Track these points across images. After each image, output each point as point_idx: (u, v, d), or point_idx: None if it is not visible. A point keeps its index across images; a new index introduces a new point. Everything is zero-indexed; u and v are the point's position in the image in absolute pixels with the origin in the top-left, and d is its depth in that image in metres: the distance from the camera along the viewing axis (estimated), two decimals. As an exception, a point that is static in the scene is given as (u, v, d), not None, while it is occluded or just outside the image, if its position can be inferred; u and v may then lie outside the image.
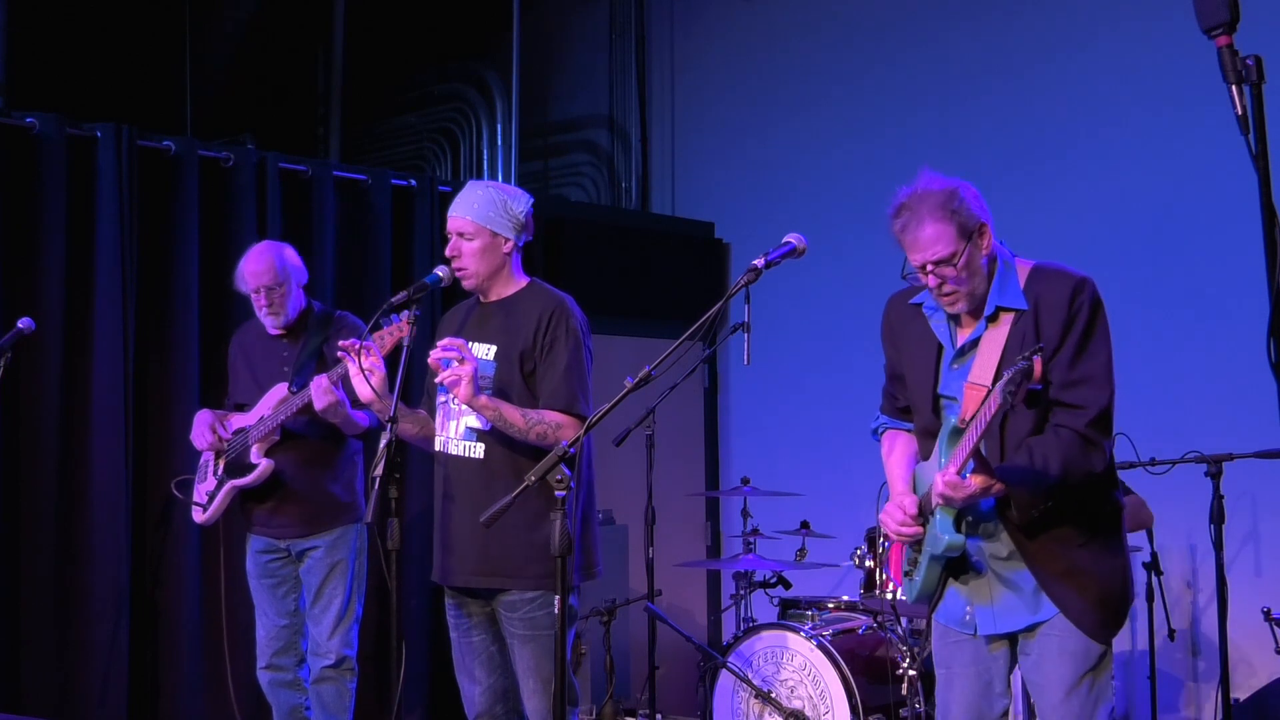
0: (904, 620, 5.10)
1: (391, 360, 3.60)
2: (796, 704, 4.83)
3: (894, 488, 3.20)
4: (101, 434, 4.98)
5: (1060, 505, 2.94)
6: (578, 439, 2.97)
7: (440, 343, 3.51)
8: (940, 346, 3.10)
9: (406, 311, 3.61)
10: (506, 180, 7.44)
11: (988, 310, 3.01)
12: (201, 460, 4.60)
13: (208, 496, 4.50)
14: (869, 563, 5.03)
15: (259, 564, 4.52)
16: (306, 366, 4.42)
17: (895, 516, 3.07)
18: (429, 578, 3.76)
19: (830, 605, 5.35)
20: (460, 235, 3.64)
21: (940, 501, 2.93)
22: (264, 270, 4.46)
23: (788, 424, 6.95)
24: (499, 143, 7.71)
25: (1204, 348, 5.64)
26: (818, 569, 5.54)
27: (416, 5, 7.89)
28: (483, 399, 3.48)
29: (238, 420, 4.53)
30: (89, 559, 4.94)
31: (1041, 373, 2.78)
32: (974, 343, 3.04)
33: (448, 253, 3.67)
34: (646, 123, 7.71)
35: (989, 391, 2.83)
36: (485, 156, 7.76)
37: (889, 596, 4.93)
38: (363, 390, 3.57)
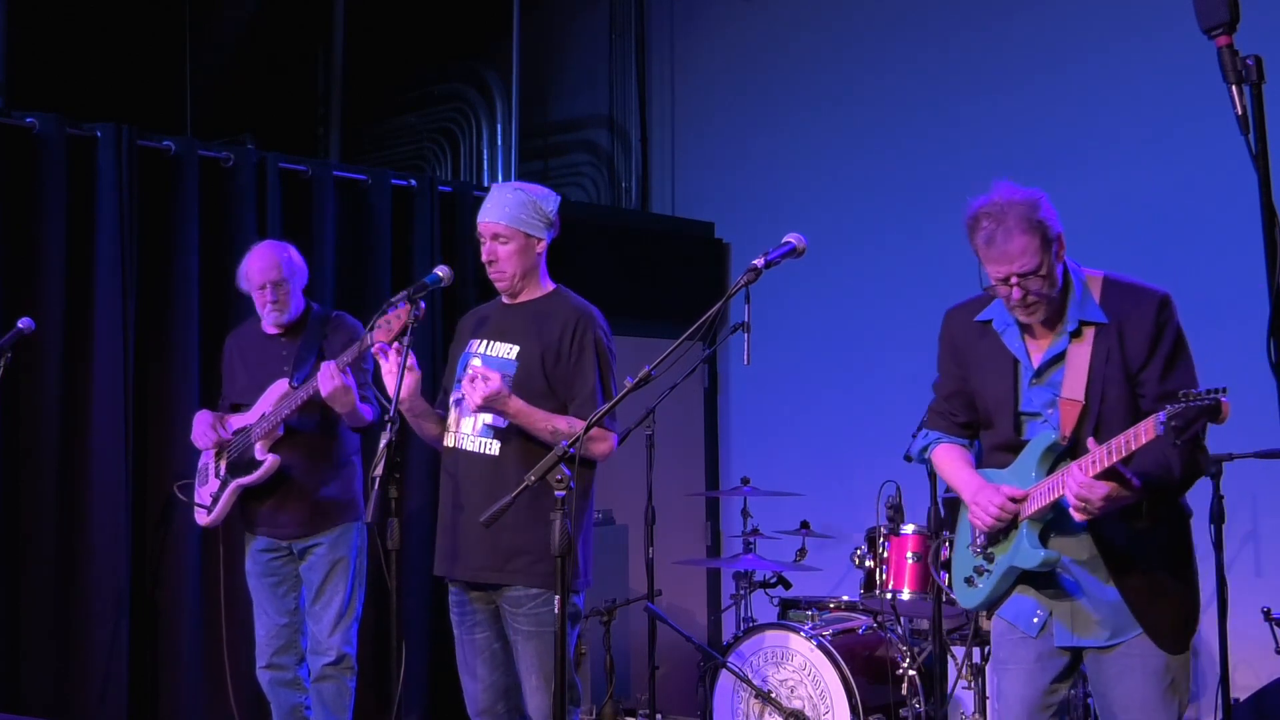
0: (904, 620, 5.10)
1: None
2: (796, 704, 4.83)
3: (968, 483, 3.12)
4: (101, 433, 4.98)
5: (1150, 512, 2.95)
6: (578, 439, 2.99)
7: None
8: (1016, 363, 3.07)
9: (405, 304, 3.63)
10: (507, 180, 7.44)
11: (1070, 325, 3.00)
12: (200, 463, 4.60)
13: (211, 498, 4.51)
14: (869, 563, 5.03)
15: (260, 562, 4.52)
16: (307, 362, 4.43)
17: (994, 501, 2.99)
18: (429, 576, 3.76)
19: (830, 605, 5.36)
20: (495, 238, 3.68)
21: (1076, 504, 2.83)
22: (270, 266, 4.49)
23: (788, 424, 6.95)
24: (499, 143, 7.71)
25: (1204, 348, 5.62)
26: (817, 570, 5.54)
27: (416, 5, 7.89)
28: (540, 423, 3.56)
29: (236, 420, 4.54)
30: (89, 559, 4.94)
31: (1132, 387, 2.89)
32: (1057, 357, 3.02)
33: (484, 258, 3.71)
34: (646, 123, 7.71)
35: (1141, 420, 2.74)
36: (485, 156, 7.76)
37: (889, 596, 4.93)
38: (393, 387, 3.59)
